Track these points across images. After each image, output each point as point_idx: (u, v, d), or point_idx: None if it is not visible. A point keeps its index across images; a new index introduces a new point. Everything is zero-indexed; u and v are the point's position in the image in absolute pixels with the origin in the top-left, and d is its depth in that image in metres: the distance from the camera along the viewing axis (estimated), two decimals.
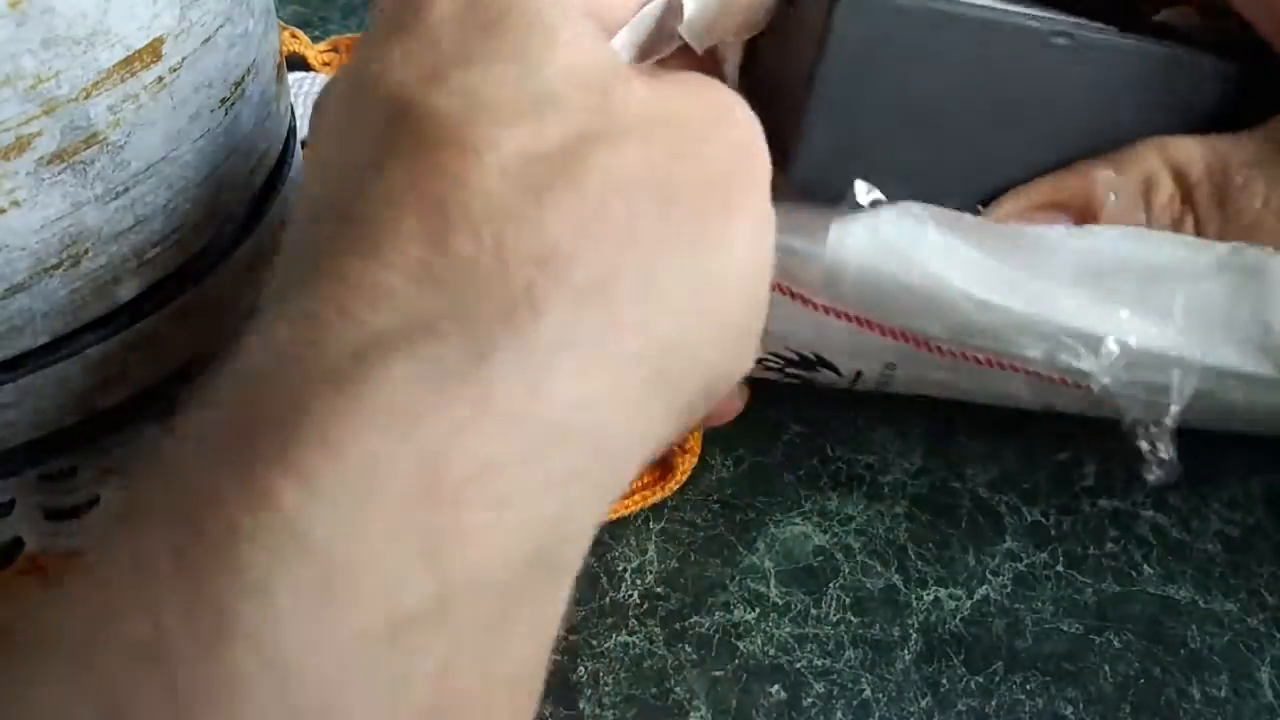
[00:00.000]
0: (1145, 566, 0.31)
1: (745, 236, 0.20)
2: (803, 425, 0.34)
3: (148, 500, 0.16)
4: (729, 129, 0.21)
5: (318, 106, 0.23)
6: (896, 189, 0.26)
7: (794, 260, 0.27)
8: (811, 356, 0.29)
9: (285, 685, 0.14)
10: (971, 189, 0.28)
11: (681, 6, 0.25)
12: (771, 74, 0.27)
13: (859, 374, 0.30)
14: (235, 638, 0.14)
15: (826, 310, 0.28)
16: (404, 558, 0.16)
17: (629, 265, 0.18)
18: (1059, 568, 0.31)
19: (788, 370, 0.30)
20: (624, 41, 0.25)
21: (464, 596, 0.16)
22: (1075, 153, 0.28)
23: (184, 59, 0.26)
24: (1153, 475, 0.28)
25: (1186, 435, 0.28)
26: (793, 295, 0.28)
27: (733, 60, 0.27)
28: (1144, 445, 0.28)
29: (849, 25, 0.24)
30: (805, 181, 0.25)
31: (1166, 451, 0.28)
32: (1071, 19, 0.26)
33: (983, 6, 0.25)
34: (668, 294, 0.19)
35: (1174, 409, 0.27)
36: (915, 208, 0.27)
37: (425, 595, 0.16)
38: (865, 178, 0.26)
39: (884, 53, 0.25)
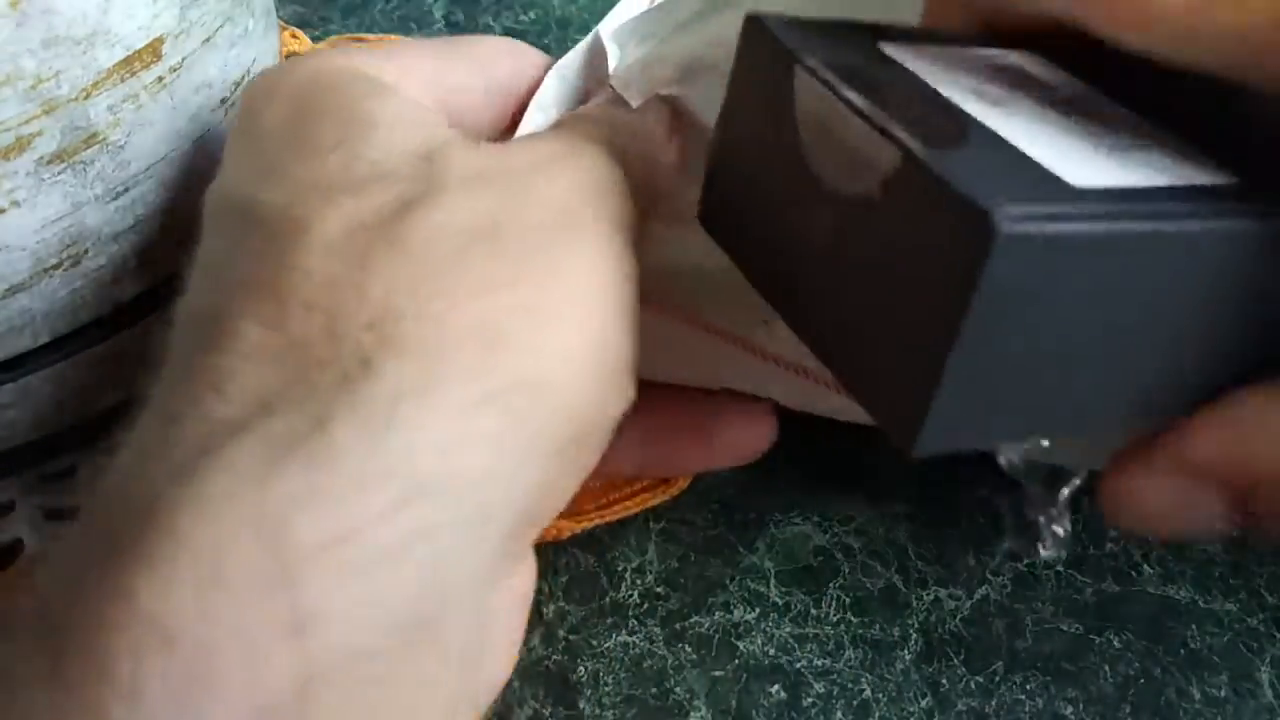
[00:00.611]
0: (1145, 566, 0.31)
1: (581, 271, 0.20)
2: (802, 425, 0.34)
3: (25, 603, 0.17)
4: (561, 172, 0.21)
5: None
6: (1019, 428, 0.20)
7: None
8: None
9: None
10: (1104, 416, 0.21)
11: (605, 53, 0.25)
12: (835, 278, 0.19)
13: None
14: None
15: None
16: (263, 640, 0.16)
17: (461, 312, 0.18)
18: (1059, 568, 0.31)
19: None
20: (550, 93, 0.25)
21: (333, 673, 0.16)
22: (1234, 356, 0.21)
23: (184, 59, 0.26)
24: (1048, 551, 0.26)
25: None
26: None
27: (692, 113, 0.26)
28: (1040, 520, 0.26)
29: (1008, 270, 0.16)
30: (928, 452, 0.19)
31: (1063, 528, 0.26)
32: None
33: (1155, 210, 0.18)
34: (504, 335, 0.19)
35: (1069, 487, 0.25)
36: None
37: (290, 676, 0.16)
38: (994, 429, 0.20)
39: (1044, 291, 0.18)
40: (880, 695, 0.29)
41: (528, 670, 0.29)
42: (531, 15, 0.49)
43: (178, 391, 0.18)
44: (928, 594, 0.31)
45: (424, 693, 0.18)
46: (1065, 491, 0.27)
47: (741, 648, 0.30)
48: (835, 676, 0.29)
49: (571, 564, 0.31)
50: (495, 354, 0.18)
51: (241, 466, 0.16)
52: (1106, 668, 0.29)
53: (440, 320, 0.18)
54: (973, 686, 0.29)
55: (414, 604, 0.17)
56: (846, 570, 0.31)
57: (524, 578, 0.22)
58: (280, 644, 0.16)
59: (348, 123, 0.21)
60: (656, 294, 0.26)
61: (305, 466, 0.16)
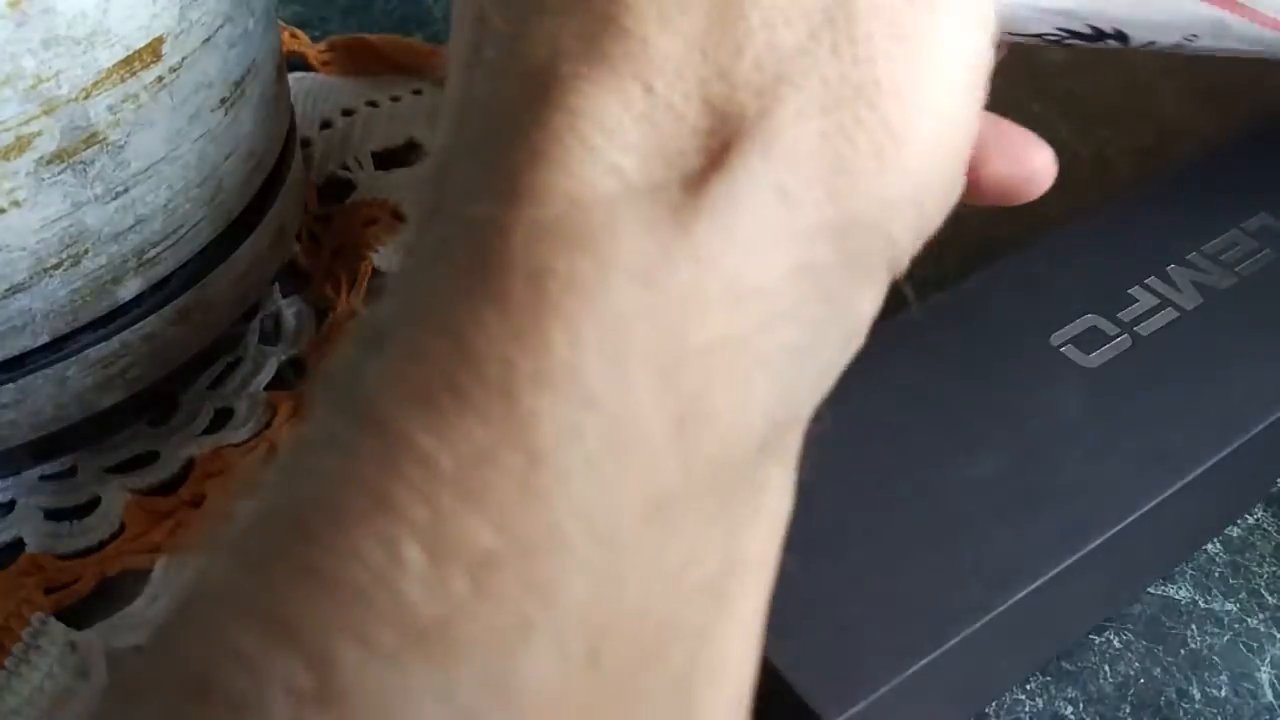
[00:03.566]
0: None
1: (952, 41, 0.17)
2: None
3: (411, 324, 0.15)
4: None
5: None
6: None
7: None
8: (1110, 30, 0.26)
9: (594, 534, 0.14)
10: None
11: None
12: None
13: (1151, 43, 0.28)
14: (553, 489, 0.14)
15: None
16: (662, 426, 0.15)
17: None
18: None
19: (1066, 41, 0.27)
20: None
21: (708, 479, 0.15)
22: None
23: (184, 59, 0.26)
24: None
25: None
26: None
27: None
28: None
29: None
30: None
31: None
32: None
33: None
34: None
35: None
36: None
37: (676, 471, 0.15)
38: None
39: None
40: None
41: None
42: None
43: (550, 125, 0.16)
44: None
45: (774, 522, 0.18)
46: None
47: None
48: None
49: None
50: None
51: (632, 240, 0.15)
52: (1106, 668, 0.29)
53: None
54: None
55: (771, 427, 0.16)
56: None
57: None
58: (672, 437, 0.15)
59: None
60: None
61: (687, 264, 0.15)
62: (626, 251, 0.15)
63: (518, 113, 0.16)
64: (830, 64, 0.16)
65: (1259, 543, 0.32)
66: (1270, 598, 0.31)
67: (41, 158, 0.24)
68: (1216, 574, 0.31)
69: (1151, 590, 0.31)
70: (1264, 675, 0.29)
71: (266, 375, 0.34)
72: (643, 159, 0.16)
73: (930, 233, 0.18)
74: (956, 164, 0.18)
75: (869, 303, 0.18)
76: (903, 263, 0.18)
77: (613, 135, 0.16)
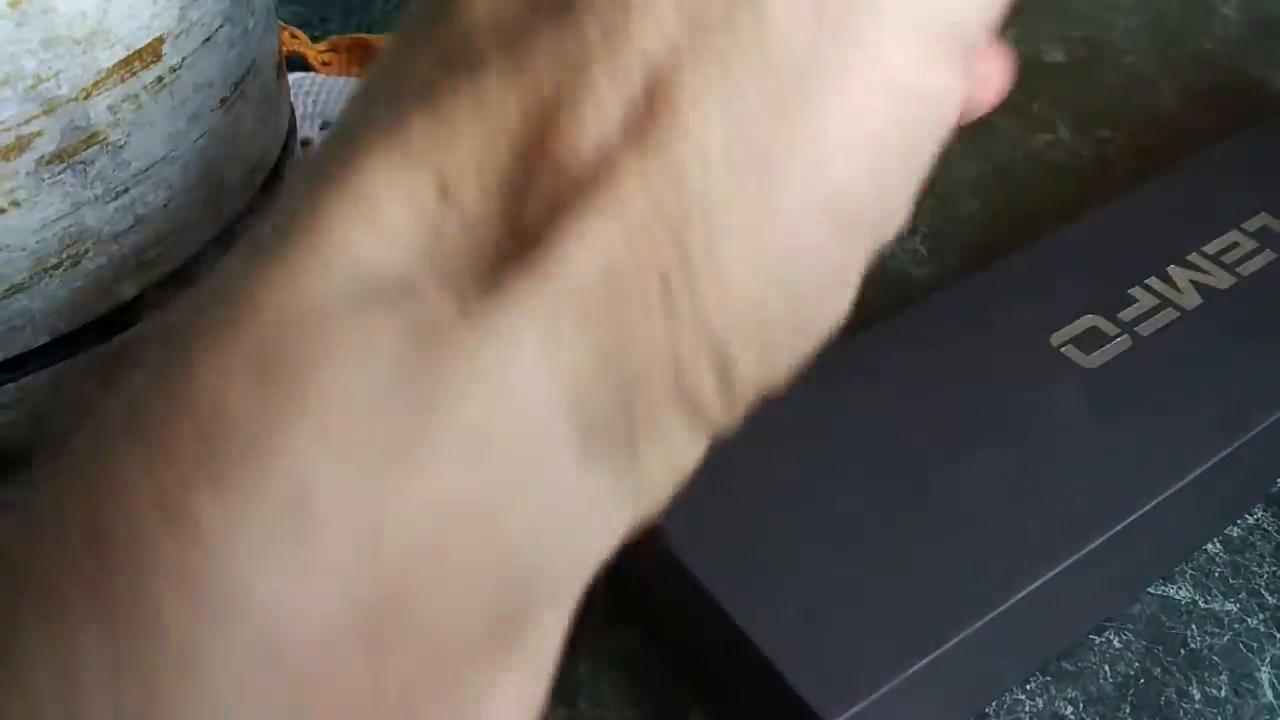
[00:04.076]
0: None
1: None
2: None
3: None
4: None
5: None
6: None
7: None
8: None
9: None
10: None
11: None
12: None
13: None
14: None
15: None
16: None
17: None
18: None
19: None
20: None
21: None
22: None
23: (184, 59, 0.26)
24: None
25: None
26: None
27: None
28: None
29: None
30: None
31: None
32: None
33: None
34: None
35: None
36: None
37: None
38: None
39: None
40: None
41: None
42: None
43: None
44: None
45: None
46: None
47: None
48: None
49: None
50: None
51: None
52: (1106, 668, 0.29)
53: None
54: None
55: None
56: None
57: None
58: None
59: None
60: None
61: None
62: (334, 390, 0.12)
63: (320, 166, 0.14)
64: (644, 184, 0.13)
65: (1259, 543, 0.32)
66: (1270, 598, 0.31)
67: (41, 158, 0.24)
68: (1216, 574, 0.31)
69: (1151, 590, 0.31)
70: (1264, 675, 0.29)
71: None
72: (401, 276, 0.13)
73: (786, 371, 0.15)
74: (807, 304, 0.14)
75: (666, 468, 0.15)
76: (731, 413, 0.15)
77: (379, 233, 0.13)
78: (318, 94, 0.43)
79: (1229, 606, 0.30)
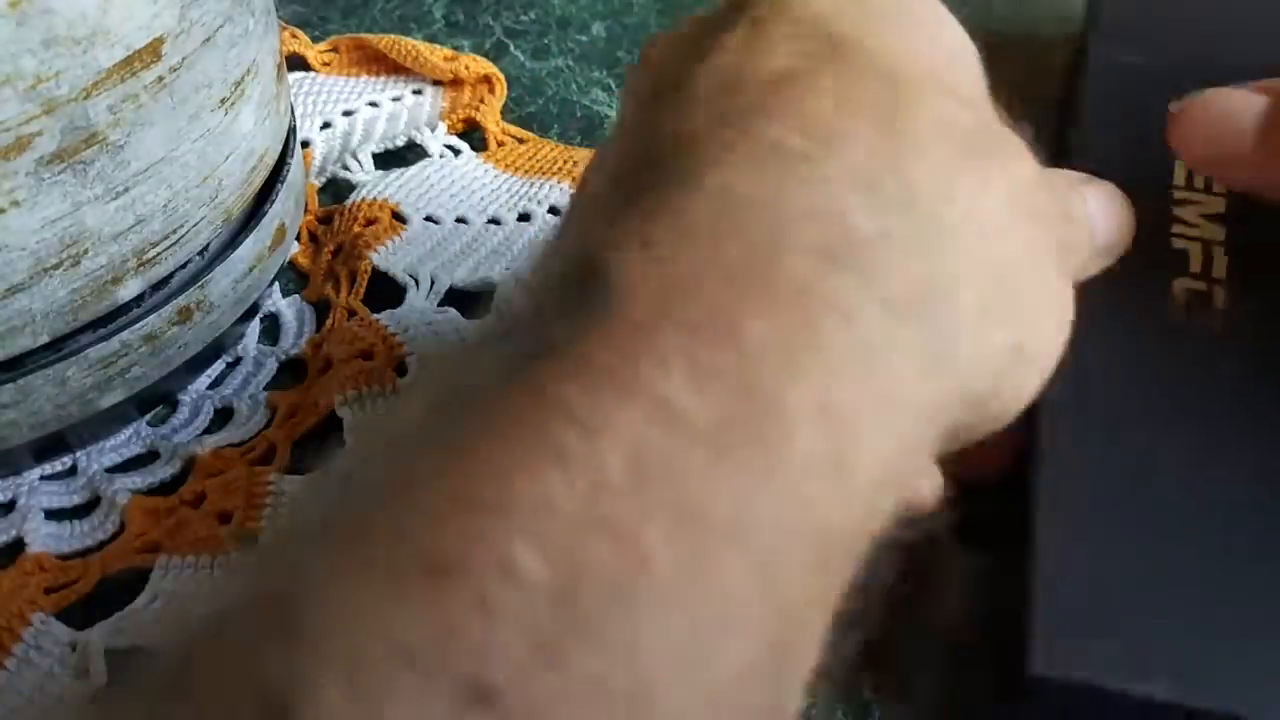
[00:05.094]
0: None
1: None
2: None
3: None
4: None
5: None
6: None
7: None
8: None
9: None
10: None
11: None
12: None
13: None
14: None
15: None
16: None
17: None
18: None
19: None
20: None
21: None
22: None
23: (184, 59, 0.26)
24: None
25: None
26: None
27: None
28: None
29: None
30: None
31: None
32: None
33: None
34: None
35: None
36: None
37: None
38: None
39: None
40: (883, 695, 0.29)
41: None
42: (531, 15, 0.49)
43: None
44: None
45: None
46: None
47: None
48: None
49: None
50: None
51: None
52: None
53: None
54: None
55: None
56: None
57: None
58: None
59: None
60: None
61: None
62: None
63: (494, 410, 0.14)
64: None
65: None
66: None
67: (41, 158, 0.24)
68: None
69: None
70: None
71: (266, 375, 0.34)
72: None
73: None
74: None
75: None
76: None
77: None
78: (318, 94, 0.43)
79: None
